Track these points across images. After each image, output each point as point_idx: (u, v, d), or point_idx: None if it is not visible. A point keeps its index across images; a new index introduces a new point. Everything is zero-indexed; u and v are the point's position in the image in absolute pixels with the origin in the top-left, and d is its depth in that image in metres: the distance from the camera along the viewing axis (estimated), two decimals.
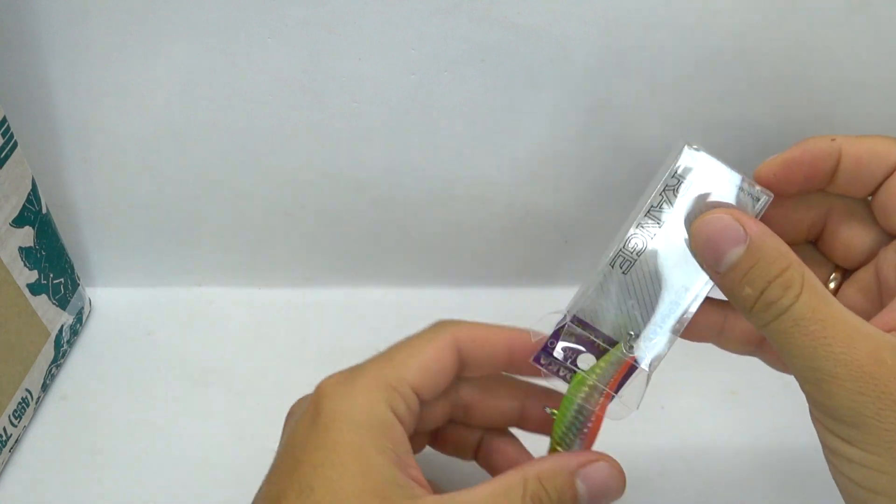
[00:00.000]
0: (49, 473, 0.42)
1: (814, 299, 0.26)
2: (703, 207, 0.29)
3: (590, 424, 0.31)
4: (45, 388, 0.45)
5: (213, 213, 0.50)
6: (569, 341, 0.31)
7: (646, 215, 0.30)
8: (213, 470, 0.43)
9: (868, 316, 0.27)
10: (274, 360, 0.48)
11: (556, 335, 0.31)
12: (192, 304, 0.52)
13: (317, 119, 0.45)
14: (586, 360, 0.31)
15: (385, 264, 0.53)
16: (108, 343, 0.50)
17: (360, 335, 0.49)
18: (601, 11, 0.40)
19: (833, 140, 0.29)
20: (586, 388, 0.30)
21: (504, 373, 0.34)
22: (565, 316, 0.31)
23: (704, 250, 0.28)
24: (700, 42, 0.41)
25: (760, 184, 0.29)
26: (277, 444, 0.31)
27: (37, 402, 0.45)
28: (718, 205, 0.29)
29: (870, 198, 0.30)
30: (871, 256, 0.30)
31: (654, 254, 0.30)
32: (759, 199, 0.29)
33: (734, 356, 0.48)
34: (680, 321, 0.30)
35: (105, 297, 0.53)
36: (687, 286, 0.30)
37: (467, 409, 0.34)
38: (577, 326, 0.30)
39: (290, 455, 0.28)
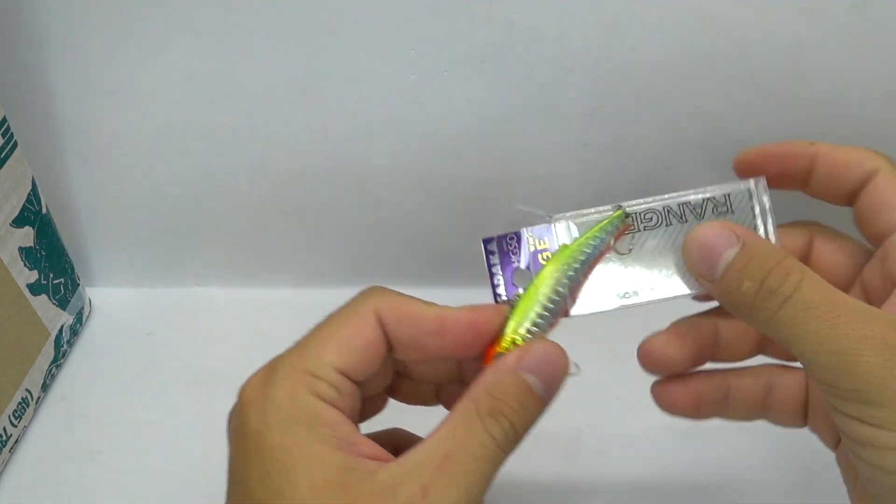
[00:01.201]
0: (49, 473, 0.42)
1: (817, 284, 0.26)
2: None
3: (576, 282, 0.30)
4: (45, 388, 0.45)
5: (213, 213, 0.50)
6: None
7: (678, 205, 0.30)
8: (213, 470, 0.43)
9: None
10: None
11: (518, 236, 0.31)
12: (192, 304, 0.52)
13: (317, 119, 0.45)
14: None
15: (385, 264, 0.53)
16: (108, 343, 0.50)
17: None
18: (601, 12, 0.40)
19: (812, 144, 0.30)
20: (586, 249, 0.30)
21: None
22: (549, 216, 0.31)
23: (699, 259, 0.28)
24: (700, 42, 0.41)
25: (738, 170, 0.30)
26: None
27: (37, 402, 0.45)
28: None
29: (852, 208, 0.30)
30: (856, 276, 0.30)
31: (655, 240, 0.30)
32: None
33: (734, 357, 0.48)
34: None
35: (105, 297, 0.53)
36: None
37: (406, 368, 0.32)
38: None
39: (235, 474, 0.27)
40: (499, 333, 0.29)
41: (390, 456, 0.27)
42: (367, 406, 0.30)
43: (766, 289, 0.26)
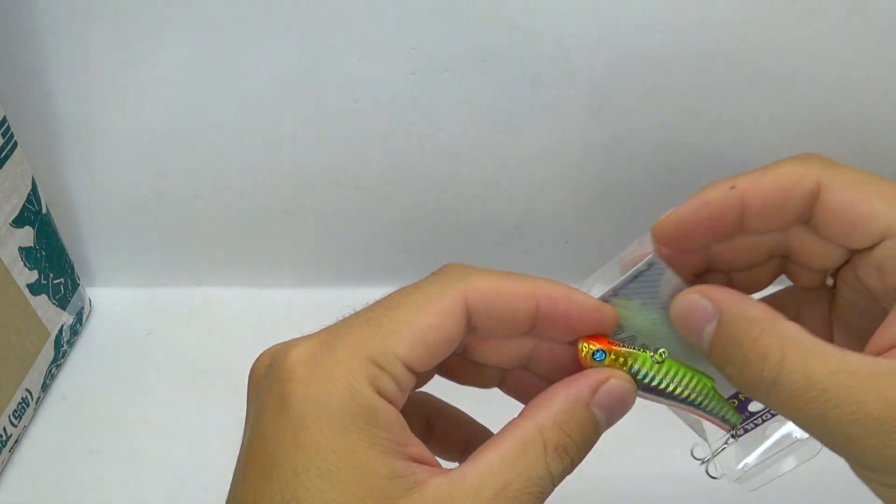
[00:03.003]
0: (49, 473, 0.42)
1: (802, 360, 0.23)
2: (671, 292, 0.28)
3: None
4: (45, 388, 0.45)
5: (213, 213, 0.50)
6: None
7: None
8: (213, 470, 0.43)
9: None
10: None
11: None
12: (192, 304, 0.52)
13: (317, 119, 0.45)
14: None
15: (385, 264, 0.53)
16: (108, 343, 0.50)
17: None
18: (601, 12, 0.40)
19: (732, 188, 0.26)
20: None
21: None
22: None
23: (685, 332, 0.27)
24: (700, 42, 0.41)
25: (660, 242, 0.27)
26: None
27: (37, 402, 0.45)
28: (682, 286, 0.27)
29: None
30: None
31: None
32: (660, 272, 0.27)
33: None
34: None
35: (105, 297, 0.53)
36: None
37: (467, 349, 0.28)
38: None
39: (262, 453, 0.24)
40: (599, 332, 0.27)
41: (436, 461, 0.25)
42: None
43: (746, 378, 0.24)
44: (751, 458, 0.30)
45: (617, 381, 0.26)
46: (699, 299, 0.26)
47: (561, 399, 0.25)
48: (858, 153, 0.45)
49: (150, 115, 0.45)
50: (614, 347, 0.27)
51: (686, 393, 0.28)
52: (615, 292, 0.27)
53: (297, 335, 0.28)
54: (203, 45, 0.42)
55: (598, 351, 0.27)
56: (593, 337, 0.27)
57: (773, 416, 0.29)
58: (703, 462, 0.30)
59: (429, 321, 0.25)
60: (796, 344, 0.23)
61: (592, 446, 0.26)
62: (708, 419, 0.29)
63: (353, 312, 0.26)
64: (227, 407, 0.47)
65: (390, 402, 0.24)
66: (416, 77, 0.43)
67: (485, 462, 0.24)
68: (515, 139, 0.46)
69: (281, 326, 0.51)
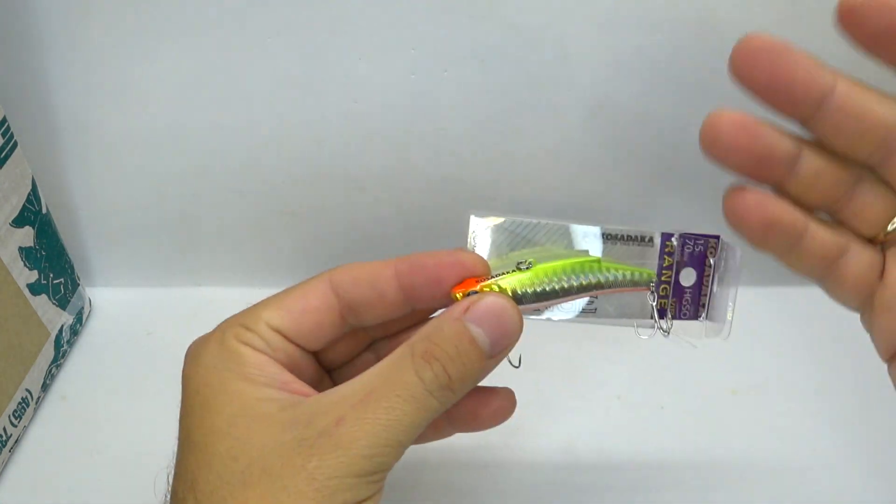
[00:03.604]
0: (49, 473, 0.42)
1: None
2: None
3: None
4: (45, 388, 0.45)
5: (213, 213, 0.50)
6: None
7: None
8: None
9: None
10: None
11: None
12: (192, 304, 0.52)
13: (317, 119, 0.45)
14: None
15: None
16: (107, 343, 0.50)
17: None
18: (601, 11, 0.40)
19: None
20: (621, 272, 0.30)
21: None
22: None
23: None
24: (700, 41, 0.41)
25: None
26: None
27: (37, 402, 0.45)
28: None
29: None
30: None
31: None
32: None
33: (734, 355, 0.48)
34: None
35: (105, 297, 0.53)
36: None
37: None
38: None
39: (179, 420, 0.28)
40: (471, 278, 0.28)
41: (317, 393, 0.27)
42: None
43: None
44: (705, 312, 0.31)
45: (490, 297, 0.27)
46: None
47: (433, 320, 0.27)
48: None
49: (150, 115, 0.45)
50: (483, 283, 0.28)
51: (577, 282, 0.29)
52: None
53: None
54: (203, 45, 0.42)
55: (468, 293, 0.27)
56: (461, 284, 0.28)
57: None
58: (654, 327, 0.31)
59: (292, 295, 0.29)
60: None
61: (475, 366, 0.26)
62: (628, 291, 0.30)
63: None
64: None
65: (260, 351, 0.27)
66: (416, 77, 0.43)
67: (357, 378, 0.26)
68: (515, 139, 0.46)
69: None
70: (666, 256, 0.31)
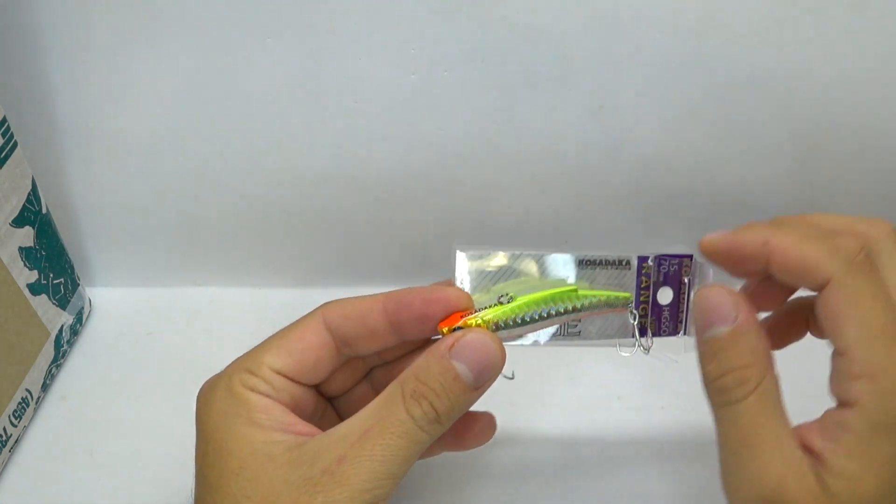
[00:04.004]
0: (49, 473, 0.42)
1: (758, 408, 0.27)
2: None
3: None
4: (45, 388, 0.45)
5: (213, 213, 0.50)
6: None
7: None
8: None
9: None
10: None
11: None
12: (192, 304, 0.52)
13: (317, 119, 0.45)
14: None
15: (385, 264, 0.53)
16: (107, 343, 0.50)
17: None
18: (601, 11, 0.40)
19: (765, 243, 0.28)
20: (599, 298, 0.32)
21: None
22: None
23: (697, 314, 0.29)
24: (700, 42, 0.41)
25: (703, 253, 0.30)
26: None
27: (37, 402, 0.45)
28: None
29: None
30: None
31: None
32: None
33: None
34: None
35: (105, 297, 0.53)
36: None
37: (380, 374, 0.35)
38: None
39: (195, 463, 0.30)
40: (456, 313, 0.30)
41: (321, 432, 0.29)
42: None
43: (720, 384, 0.28)
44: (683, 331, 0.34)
45: (472, 333, 0.29)
46: (729, 299, 0.28)
47: (422, 355, 0.29)
48: (858, 153, 0.45)
49: (150, 115, 0.45)
50: (467, 317, 0.30)
51: (556, 310, 0.31)
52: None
53: None
54: (203, 45, 0.42)
55: (454, 329, 0.30)
56: (447, 319, 0.30)
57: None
58: (635, 345, 0.33)
59: (290, 336, 0.31)
60: (767, 393, 0.27)
61: (460, 399, 0.29)
62: (607, 313, 0.32)
63: None
64: None
65: (265, 396, 0.30)
66: (416, 77, 0.43)
67: (354, 417, 0.29)
68: (515, 139, 0.46)
69: (281, 326, 0.51)
70: (643, 277, 0.32)
